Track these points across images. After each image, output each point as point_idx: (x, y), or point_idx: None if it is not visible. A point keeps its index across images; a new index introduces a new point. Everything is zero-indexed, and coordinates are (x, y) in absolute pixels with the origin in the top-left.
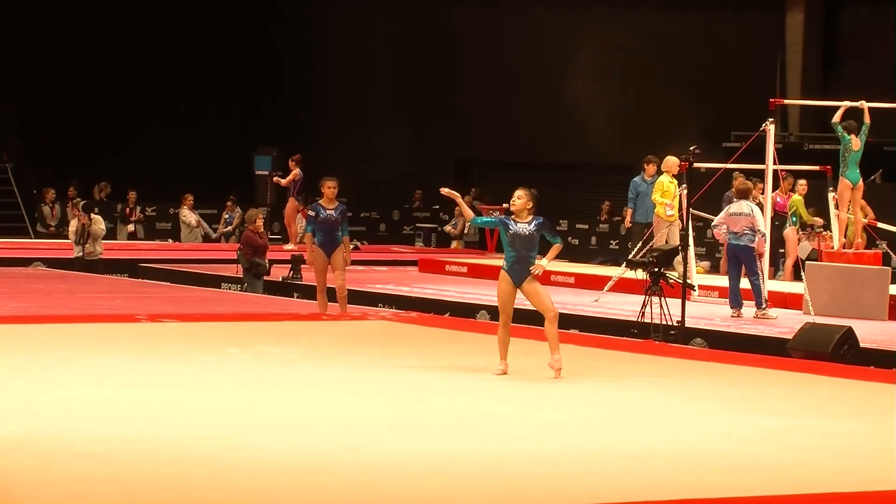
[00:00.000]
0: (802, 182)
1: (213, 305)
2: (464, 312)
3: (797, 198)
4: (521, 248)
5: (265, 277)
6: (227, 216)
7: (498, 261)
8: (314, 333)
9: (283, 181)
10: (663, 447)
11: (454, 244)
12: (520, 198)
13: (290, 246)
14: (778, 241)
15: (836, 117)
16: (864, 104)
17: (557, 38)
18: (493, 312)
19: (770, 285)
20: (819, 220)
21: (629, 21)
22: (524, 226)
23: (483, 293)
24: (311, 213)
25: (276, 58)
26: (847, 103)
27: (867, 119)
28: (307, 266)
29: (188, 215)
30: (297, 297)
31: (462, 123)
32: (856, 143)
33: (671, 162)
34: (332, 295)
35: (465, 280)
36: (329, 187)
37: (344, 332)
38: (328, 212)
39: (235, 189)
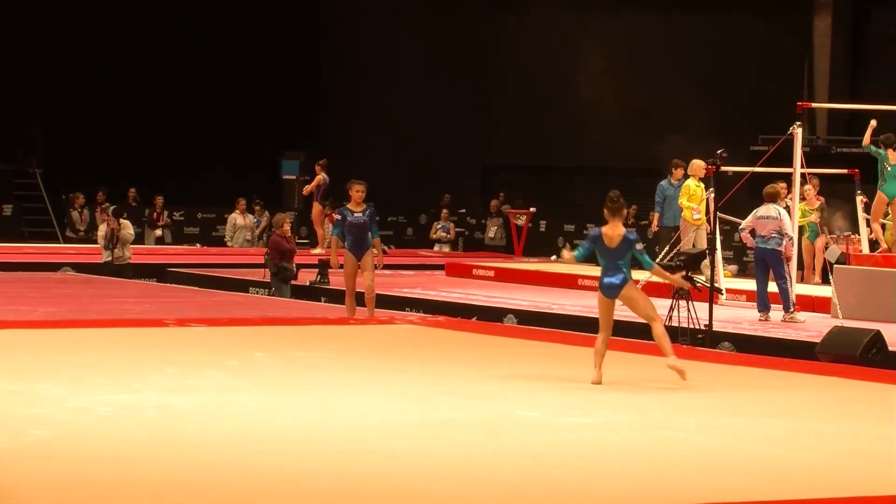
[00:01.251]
0: (808, 188)
1: (241, 310)
2: (491, 317)
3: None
4: (612, 259)
5: (292, 282)
6: (255, 220)
7: (525, 265)
8: (342, 338)
9: (307, 188)
10: (691, 451)
11: (437, 248)
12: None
13: (317, 250)
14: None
15: (866, 139)
16: None
17: (583, 43)
18: (520, 317)
19: (798, 289)
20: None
21: (654, 25)
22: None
23: (510, 297)
24: (338, 216)
25: (306, 62)
26: (873, 122)
27: None
28: (335, 270)
29: (240, 218)
30: (325, 302)
31: (489, 129)
32: (893, 156)
33: (697, 165)
34: (359, 299)
35: (492, 284)
36: (357, 191)
37: (371, 337)
38: (356, 215)
39: (262, 193)
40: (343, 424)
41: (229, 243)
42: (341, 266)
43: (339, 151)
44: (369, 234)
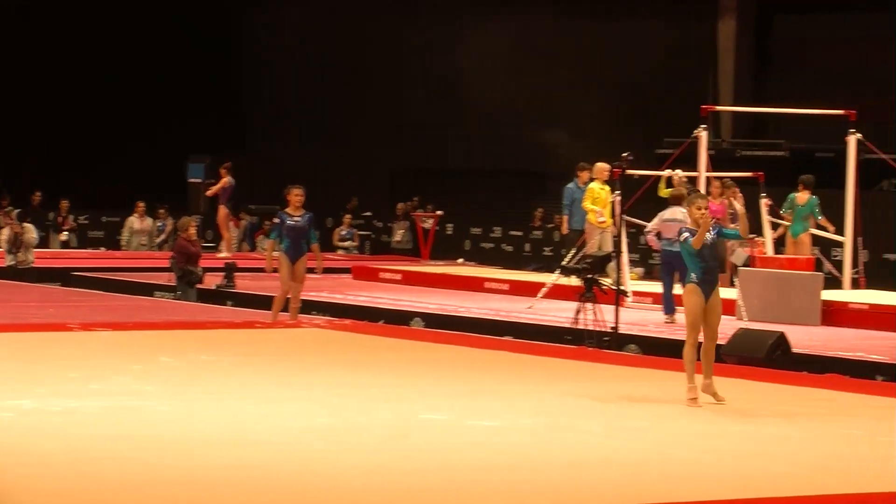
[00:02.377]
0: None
1: (146, 314)
2: (398, 320)
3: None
4: (710, 259)
5: (198, 285)
6: (159, 224)
7: (432, 268)
8: (248, 342)
9: (211, 190)
10: (597, 454)
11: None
12: (699, 208)
13: (223, 254)
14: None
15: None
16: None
17: (491, 47)
18: (427, 319)
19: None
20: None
21: (560, 30)
22: (709, 235)
23: (417, 300)
24: (277, 220)
25: (210, 67)
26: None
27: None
28: (270, 274)
29: (137, 222)
30: (231, 305)
31: (397, 133)
32: (801, 197)
33: (602, 168)
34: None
35: (399, 287)
36: (295, 195)
37: (278, 340)
38: (295, 219)
39: (168, 197)
40: (250, 428)
41: (125, 247)
42: (274, 270)
43: (247, 155)
44: (307, 239)
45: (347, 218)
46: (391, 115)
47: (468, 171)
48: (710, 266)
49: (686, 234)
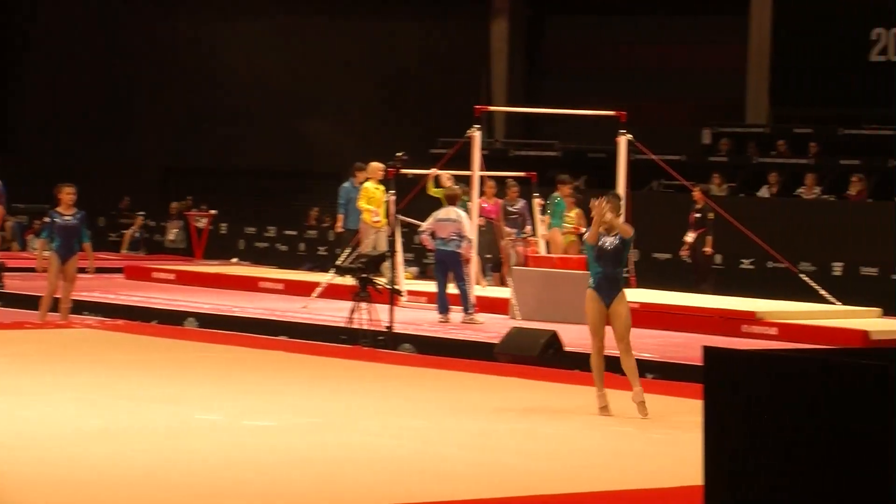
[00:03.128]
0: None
1: None
2: (171, 320)
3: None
4: (608, 264)
5: None
6: None
7: (206, 268)
8: (17, 342)
9: None
10: (373, 453)
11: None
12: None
13: None
14: (485, 247)
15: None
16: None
17: (265, 44)
18: (201, 319)
19: (478, 290)
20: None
21: (336, 30)
22: (610, 239)
23: (190, 300)
24: (48, 219)
25: None
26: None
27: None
28: (42, 273)
29: None
30: (0, 306)
31: (170, 131)
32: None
33: (376, 168)
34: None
35: (173, 287)
36: (67, 193)
37: (48, 341)
38: (65, 218)
39: None
40: (19, 431)
41: None
42: (45, 269)
43: (16, 154)
44: (79, 238)
45: (139, 220)
46: (163, 112)
47: (242, 170)
48: (610, 272)
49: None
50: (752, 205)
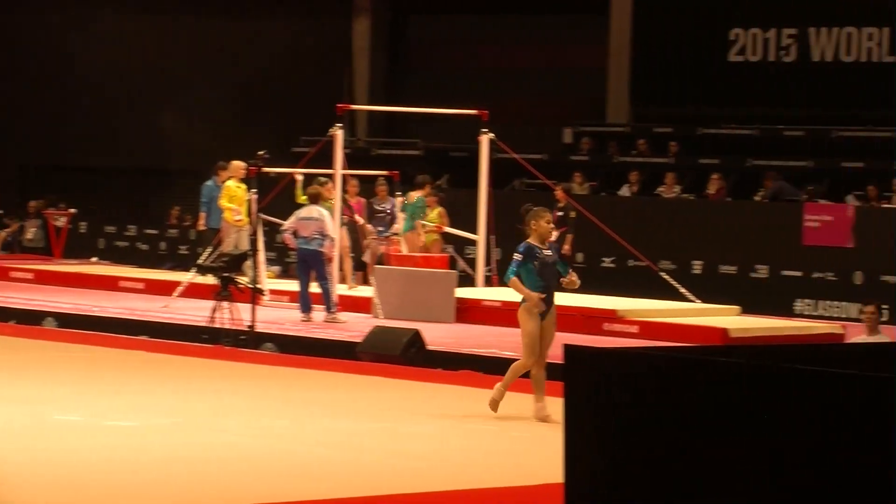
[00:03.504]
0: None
1: None
2: (30, 320)
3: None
4: (549, 279)
5: None
6: None
7: (65, 267)
8: None
9: None
10: (236, 453)
11: None
12: (549, 222)
13: None
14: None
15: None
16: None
17: (124, 42)
18: (60, 319)
19: (340, 289)
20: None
21: (197, 29)
22: (549, 252)
23: (49, 299)
24: None
25: None
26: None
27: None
28: None
29: None
30: None
31: (26, 128)
32: (413, 196)
33: (237, 166)
34: None
35: (31, 287)
36: None
37: None
38: None
39: None
40: None
41: None
42: None
43: None
44: None
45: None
46: (18, 109)
47: (102, 168)
48: (549, 286)
49: (517, 257)
50: (613, 204)
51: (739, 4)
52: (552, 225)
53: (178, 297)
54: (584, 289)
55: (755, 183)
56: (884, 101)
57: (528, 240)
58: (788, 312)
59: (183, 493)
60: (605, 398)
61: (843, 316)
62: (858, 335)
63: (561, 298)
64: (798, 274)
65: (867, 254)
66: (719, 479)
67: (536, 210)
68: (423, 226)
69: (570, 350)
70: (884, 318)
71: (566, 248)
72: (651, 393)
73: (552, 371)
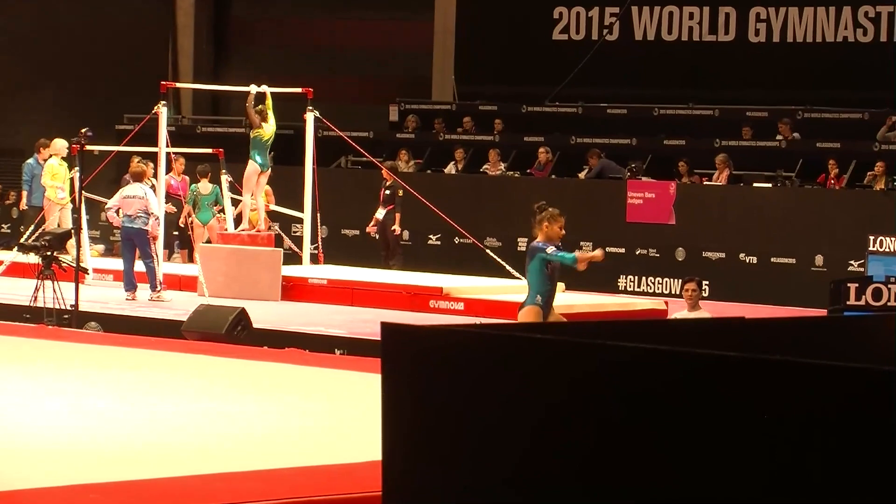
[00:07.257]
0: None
1: None
2: None
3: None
4: (554, 282)
5: None
6: None
7: None
8: None
9: None
10: (55, 435)
11: None
12: (562, 228)
13: None
14: (173, 224)
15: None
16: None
17: None
18: None
19: (165, 268)
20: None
21: (21, 6)
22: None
23: None
24: None
25: None
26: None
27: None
28: None
29: None
30: None
31: None
32: (205, 186)
33: (60, 144)
34: None
35: None
36: None
37: None
38: None
39: None
40: None
41: None
42: None
43: None
44: None
45: None
46: None
47: None
48: (553, 288)
49: (552, 248)
50: (439, 181)
51: None
52: (563, 232)
53: None
54: (411, 266)
55: (579, 160)
56: (704, 79)
57: (537, 240)
58: (613, 289)
59: None
60: (423, 376)
61: (667, 292)
62: (680, 311)
63: (387, 276)
64: (622, 251)
65: (689, 230)
66: (536, 460)
67: (553, 212)
68: (222, 213)
69: (386, 328)
70: (704, 294)
71: (395, 228)
72: (469, 370)
73: (369, 348)
